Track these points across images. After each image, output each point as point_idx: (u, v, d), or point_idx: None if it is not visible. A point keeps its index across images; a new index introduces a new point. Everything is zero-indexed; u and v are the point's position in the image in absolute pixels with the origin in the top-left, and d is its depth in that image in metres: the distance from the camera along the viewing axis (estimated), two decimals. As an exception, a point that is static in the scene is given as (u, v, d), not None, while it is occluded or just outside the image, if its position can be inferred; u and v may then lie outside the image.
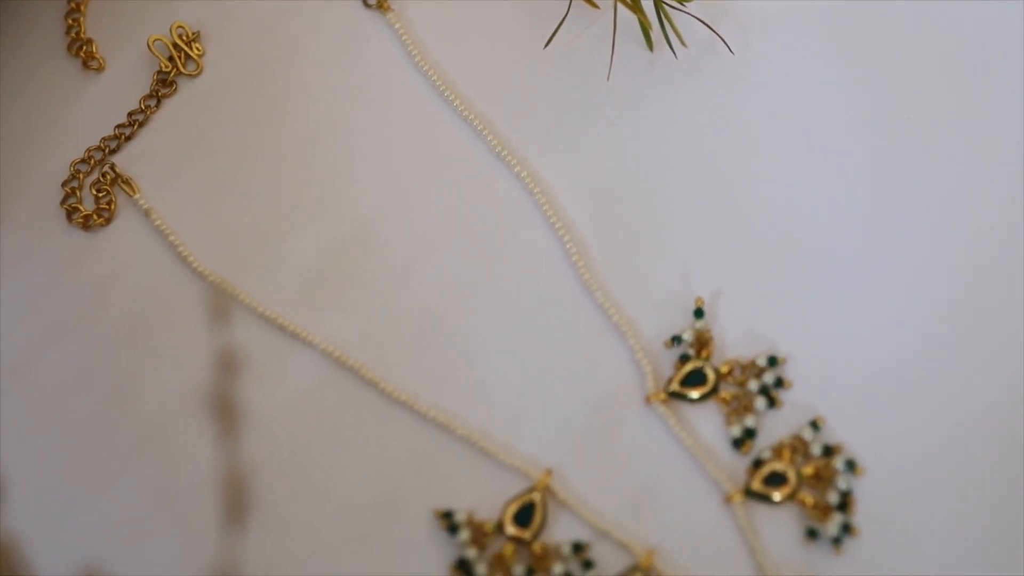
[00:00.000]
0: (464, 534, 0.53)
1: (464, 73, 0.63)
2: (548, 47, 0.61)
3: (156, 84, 0.63)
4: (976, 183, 0.59)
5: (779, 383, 0.56)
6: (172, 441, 0.56)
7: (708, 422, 0.56)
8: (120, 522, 0.55)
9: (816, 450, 0.54)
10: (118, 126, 0.62)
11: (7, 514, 0.50)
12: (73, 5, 0.65)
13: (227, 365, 0.42)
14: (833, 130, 0.61)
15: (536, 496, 0.54)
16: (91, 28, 0.64)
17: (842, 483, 0.54)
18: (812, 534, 0.53)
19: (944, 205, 0.59)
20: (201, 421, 0.55)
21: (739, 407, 0.56)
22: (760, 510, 0.54)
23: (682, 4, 0.60)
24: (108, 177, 0.61)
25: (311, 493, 0.54)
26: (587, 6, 0.61)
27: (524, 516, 0.53)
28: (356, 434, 0.56)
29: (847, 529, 0.53)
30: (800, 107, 0.61)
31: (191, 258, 0.60)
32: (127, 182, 0.61)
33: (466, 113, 0.62)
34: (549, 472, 0.54)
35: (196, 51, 0.63)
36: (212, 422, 0.41)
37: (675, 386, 0.56)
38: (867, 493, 0.54)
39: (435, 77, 0.62)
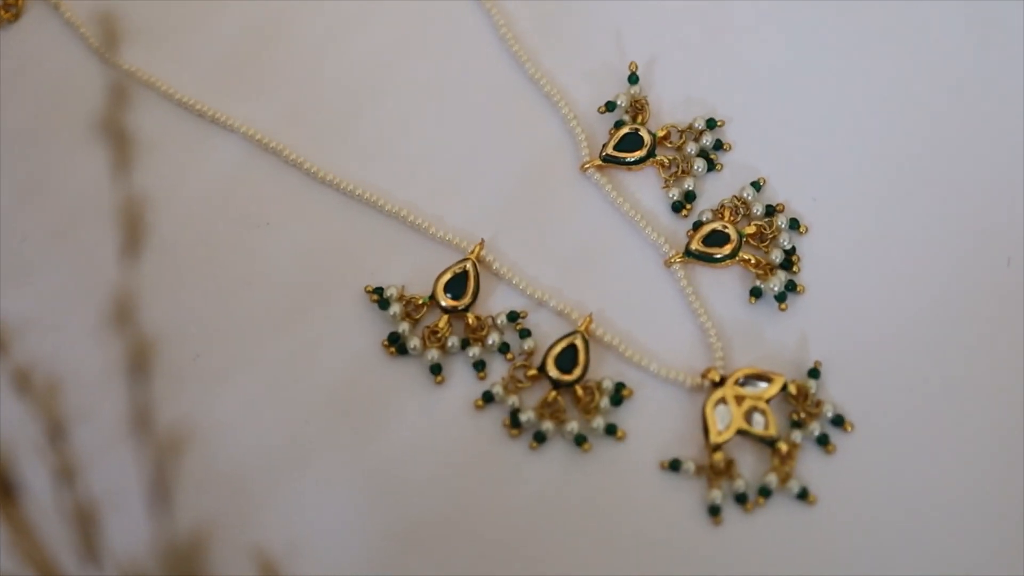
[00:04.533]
0: (395, 308, 0.52)
1: None
2: None
3: None
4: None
5: (719, 146, 0.55)
6: (82, 236, 0.54)
7: (646, 187, 0.55)
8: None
9: (758, 210, 0.54)
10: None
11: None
12: None
13: (118, 94, 0.40)
14: None
15: (468, 266, 0.53)
16: None
17: (785, 241, 0.53)
18: (756, 293, 0.52)
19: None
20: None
21: (677, 171, 0.55)
22: (702, 273, 0.53)
23: None
24: (14, -28, 0.60)
25: (236, 272, 0.54)
26: None
27: (457, 286, 0.52)
28: (281, 216, 0.55)
29: (792, 286, 0.52)
30: None
31: (101, 49, 0.58)
32: (34, -24, 0.60)
33: None
34: (482, 242, 0.53)
35: None
36: (106, 151, 0.39)
37: (610, 151, 0.55)
38: (811, 252, 0.53)
39: None
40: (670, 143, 0.55)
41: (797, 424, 0.50)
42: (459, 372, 0.52)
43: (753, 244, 0.53)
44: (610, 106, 0.56)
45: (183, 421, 0.48)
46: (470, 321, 0.52)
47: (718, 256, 0.52)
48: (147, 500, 0.38)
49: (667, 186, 0.54)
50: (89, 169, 0.55)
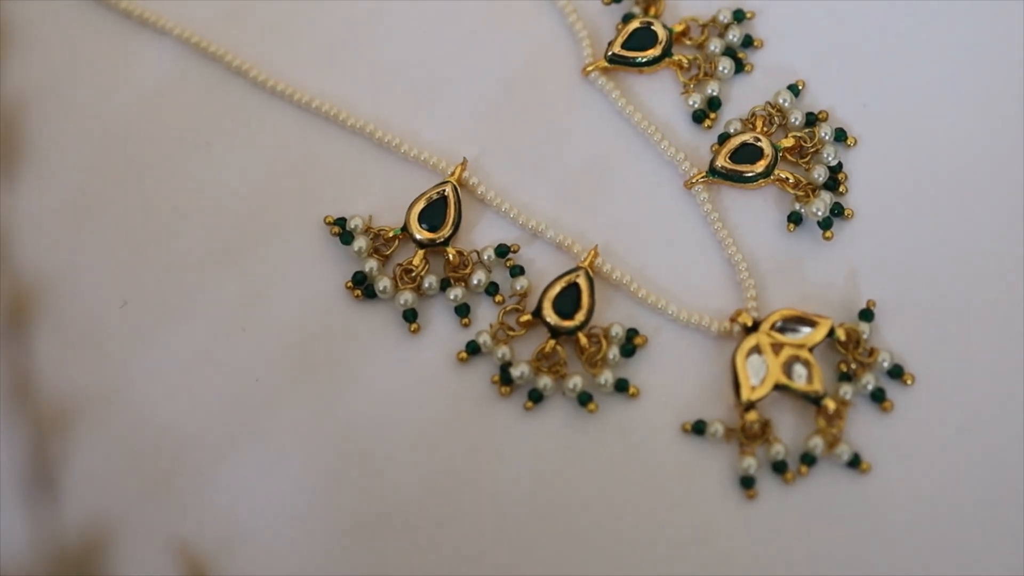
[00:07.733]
0: (361, 242, 0.50)
1: None
2: None
3: None
4: None
5: (748, 42, 0.53)
6: None
7: (661, 93, 0.52)
8: None
9: (796, 119, 0.51)
10: None
11: None
12: None
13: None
14: None
15: (448, 190, 0.50)
16: None
17: (830, 156, 0.50)
18: (795, 219, 0.50)
19: None
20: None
21: (699, 73, 0.53)
22: (730, 195, 0.51)
23: None
24: None
25: (169, 201, 0.50)
26: None
27: (434, 215, 0.50)
28: (224, 135, 0.52)
29: (838, 211, 0.50)
30: None
31: (12, -61, 0.54)
32: None
33: None
34: (464, 162, 0.51)
35: None
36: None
37: (617, 50, 0.52)
38: (860, 169, 0.50)
39: None
40: (690, 40, 0.53)
41: (847, 377, 0.47)
42: (438, 318, 0.49)
43: (791, 160, 0.51)
44: (617, -5, 0.52)
45: (93, 385, 0.44)
46: (451, 257, 0.49)
47: (749, 175, 0.50)
48: (26, 489, 0.31)
49: (687, 91, 0.52)
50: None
